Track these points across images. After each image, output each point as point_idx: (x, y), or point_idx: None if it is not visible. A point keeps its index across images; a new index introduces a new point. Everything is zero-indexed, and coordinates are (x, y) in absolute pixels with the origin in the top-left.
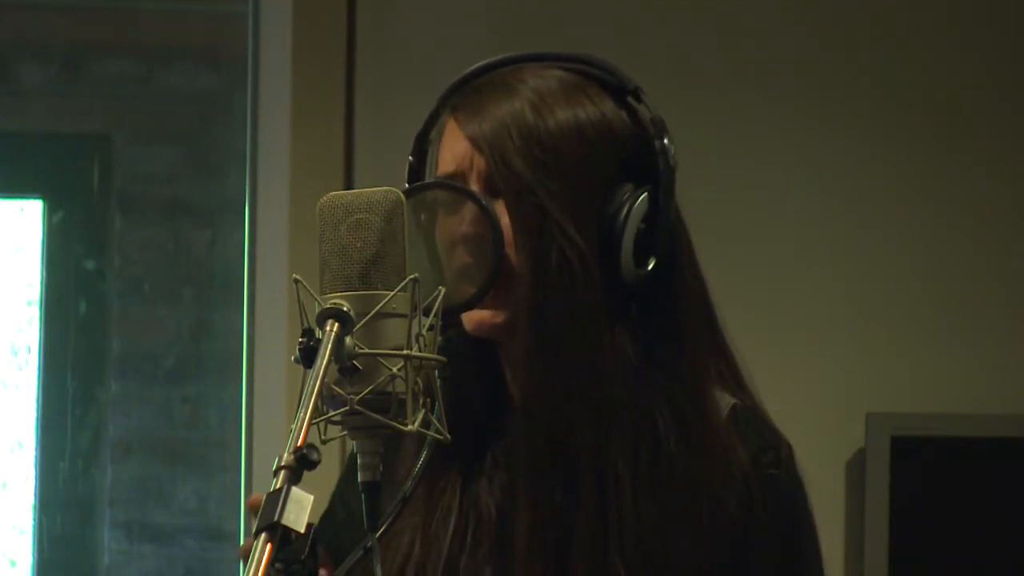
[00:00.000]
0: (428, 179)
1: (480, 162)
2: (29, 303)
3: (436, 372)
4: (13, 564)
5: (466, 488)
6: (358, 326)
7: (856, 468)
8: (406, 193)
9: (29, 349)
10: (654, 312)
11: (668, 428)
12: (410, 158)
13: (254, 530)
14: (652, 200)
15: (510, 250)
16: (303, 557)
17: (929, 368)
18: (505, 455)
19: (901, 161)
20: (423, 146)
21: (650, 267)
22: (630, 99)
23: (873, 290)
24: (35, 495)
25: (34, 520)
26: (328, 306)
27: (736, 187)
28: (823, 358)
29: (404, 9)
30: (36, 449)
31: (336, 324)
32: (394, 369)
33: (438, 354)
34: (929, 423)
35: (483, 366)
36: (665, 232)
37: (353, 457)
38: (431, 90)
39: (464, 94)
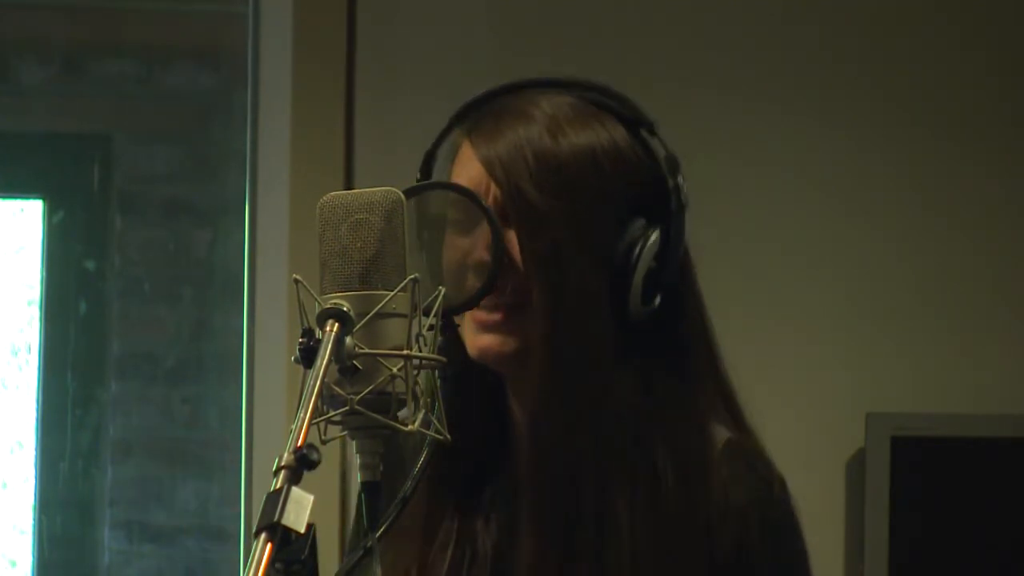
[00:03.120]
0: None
1: (495, 188)
2: (29, 303)
3: (436, 372)
4: (13, 564)
5: (464, 521)
6: (358, 326)
7: (856, 468)
8: (407, 193)
9: (29, 349)
10: (657, 349)
11: (666, 465)
12: (418, 175)
13: (254, 530)
14: (663, 238)
15: (518, 280)
16: (303, 557)
17: (929, 368)
18: (505, 490)
19: (901, 161)
20: (431, 163)
21: (656, 304)
22: (644, 133)
23: (873, 290)
24: (35, 495)
25: (34, 520)
26: (328, 306)
27: (736, 187)
28: (823, 358)
29: (404, 9)
30: (36, 449)
31: (336, 324)
32: (394, 369)
33: (438, 354)
34: (929, 423)
35: (487, 400)
36: (673, 271)
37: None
38: (431, 90)
39: (479, 118)
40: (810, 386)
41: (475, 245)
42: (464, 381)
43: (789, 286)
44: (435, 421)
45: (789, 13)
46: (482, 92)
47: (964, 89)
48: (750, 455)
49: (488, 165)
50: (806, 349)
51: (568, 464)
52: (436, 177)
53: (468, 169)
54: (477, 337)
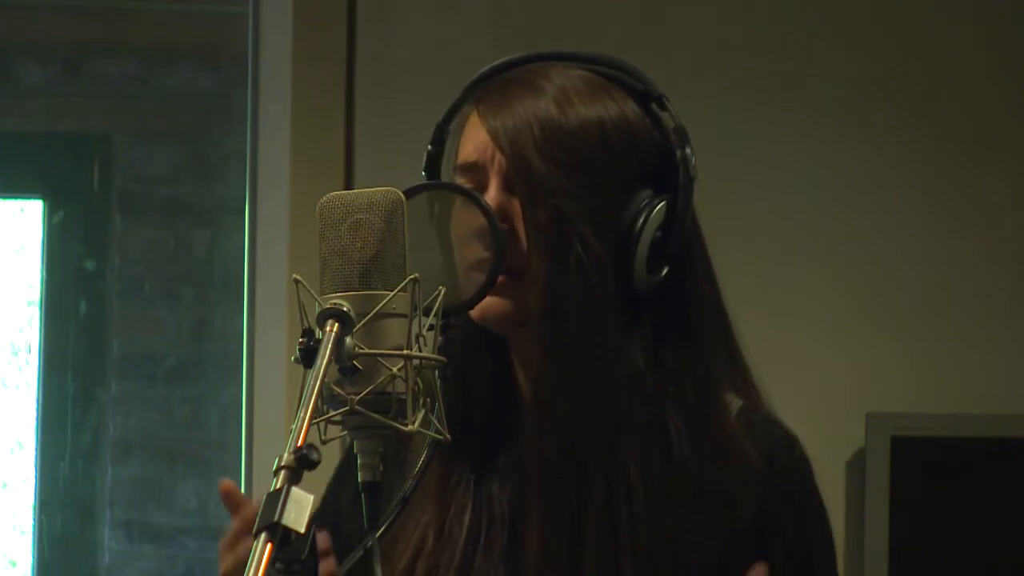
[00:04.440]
0: (447, 168)
1: (500, 157)
2: (29, 303)
3: (436, 372)
4: (13, 564)
5: (479, 486)
6: (358, 326)
7: (856, 468)
8: (406, 193)
9: (29, 349)
10: (666, 319)
11: (680, 435)
12: (429, 147)
13: (254, 530)
14: (669, 209)
15: (523, 248)
16: (303, 557)
17: (929, 368)
18: (517, 454)
19: (902, 161)
20: (443, 136)
21: (663, 275)
22: (654, 106)
23: (874, 290)
24: (35, 495)
25: (34, 520)
26: (328, 306)
27: (736, 186)
28: (823, 358)
29: (404, 9)
30: (36, 449)
31: (336, 324)
32: (394, 369)
33: (438, 354)
34: (929, 423)
35: (494, 362)
36: (680, 241)
37: (349, 452)
38: (431, 90)
39: (489, 88)
40: (810, 386)
41: (479, 213)
42: (472, 343)
43: (789, 286)
44: (435, 421)
45: (790, 13)
46: (493, 64)
47: (966, 89)
48: (765, 418)
49: (494, 134)
50: (806, 349)
51: (569, 431)
52: (447, 150)
53: (475, 138)
54: None
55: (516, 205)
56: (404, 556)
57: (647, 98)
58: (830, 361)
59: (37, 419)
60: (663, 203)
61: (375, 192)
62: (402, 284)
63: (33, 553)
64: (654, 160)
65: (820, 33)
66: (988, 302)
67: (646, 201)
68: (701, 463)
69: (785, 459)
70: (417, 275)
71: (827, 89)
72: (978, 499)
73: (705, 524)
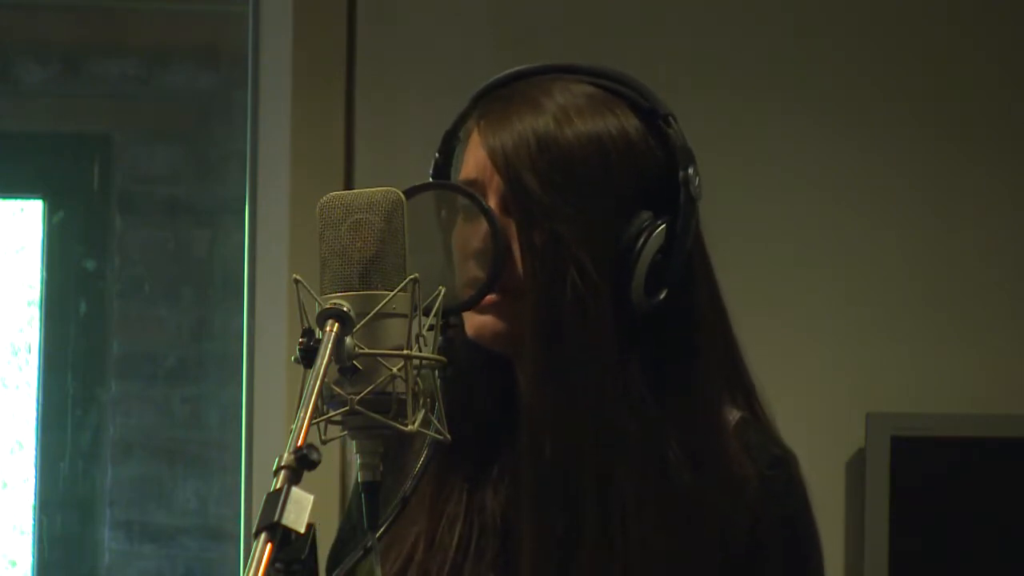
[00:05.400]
0: (453, 178)
1: (497, 178)
2: (29, 303)
3: (436, 372)
4: (13, 564)
5: (472, 495)
6: (358, 326)
7: (856, 468)
8: (406, 193)
9: (29, 349)
10: (667, 341)
11: (678, 458)
12: (436, 154)
13: (254, 530)
14: (670, 231)
15: (519, 270)
16: (303, 557)
17: (929, 368)
18: (512, 463)
19: (902, 161)
20: (451, 144)
21: (661, 297)
22: (660, 124)
23: (873, 290)
24: (35, 495)
25: (34, 520)
26: (328, 306)
27: (737, 187)
28: (823, 358)
29: (404, 9)
30: (36, 449)
31: (336, 324)
32: (394, 369)
33: (438, 354)
34: (929, 423)
35: (495, 374)
36: (679, 264)
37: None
38: (431, 90)
39: (493, 102)
40: (810, 386)
41: (478, 232)
42: (471, 356)
43: (789, 286)
44: (435, 421)
45: (790, 13)
46: (500, 75)
47: (965, 89)
48: (763, 435)
49: (492, 153)
50: (806, 349)
51: (562, 451)
52: (456, 158)
53: (475, 155)
54: (473, 316)
55: (513, 227)
56: (395, 565)
57: (653, 116)
58: (830, 361)
59: (37, 419)
60: (663, 225)
61: (375, 192)
62: (402, 284)
63: (33, 553)
64: (656, 180)
65: (820, 33)
66: (988, 302)
67: (646, 223)
68: (699, 487)
69: (781, 482)
70: (417, 275)
71: (827, 89)
72: (978, 499)
73: (700, 549)
